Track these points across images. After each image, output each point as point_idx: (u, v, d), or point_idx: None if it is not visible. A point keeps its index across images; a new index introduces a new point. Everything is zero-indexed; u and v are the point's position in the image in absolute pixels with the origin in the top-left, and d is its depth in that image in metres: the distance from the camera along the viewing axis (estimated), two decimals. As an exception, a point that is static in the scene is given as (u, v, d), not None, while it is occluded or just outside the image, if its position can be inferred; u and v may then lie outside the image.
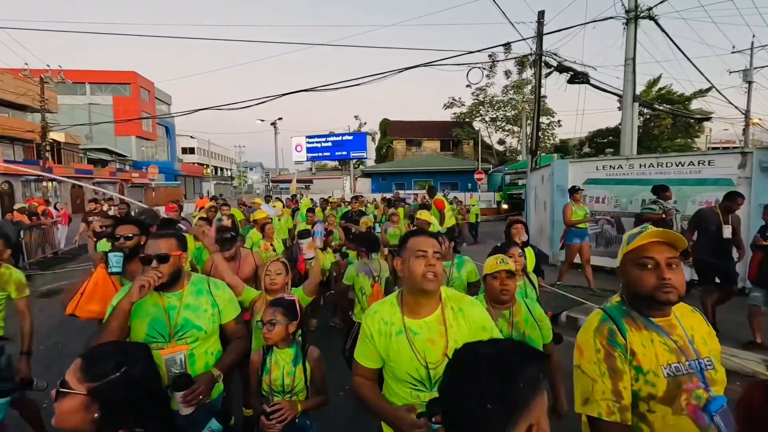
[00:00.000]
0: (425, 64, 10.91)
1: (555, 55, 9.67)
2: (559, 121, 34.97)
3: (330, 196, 10.70)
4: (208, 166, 61.90)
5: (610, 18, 9.05)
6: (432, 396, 1.51)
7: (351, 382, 1.70)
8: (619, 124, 30.56)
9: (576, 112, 33.34)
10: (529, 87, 30.25)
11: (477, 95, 34.75)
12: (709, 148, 24.80)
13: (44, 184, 22.72)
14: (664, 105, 30.59)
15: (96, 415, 1.08)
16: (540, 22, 9.45)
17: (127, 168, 36.85)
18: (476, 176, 23.74)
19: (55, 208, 13.04)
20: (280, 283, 2.54)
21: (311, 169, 37.41)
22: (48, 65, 21.52)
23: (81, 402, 1.08)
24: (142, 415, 1.15)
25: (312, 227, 2.98)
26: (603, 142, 34.42)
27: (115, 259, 2.16)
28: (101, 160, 34.92)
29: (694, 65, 10.32)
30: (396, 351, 1.53)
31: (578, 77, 10.29)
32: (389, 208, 6.94)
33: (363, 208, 7.20)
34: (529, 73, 30.36)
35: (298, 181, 32.56)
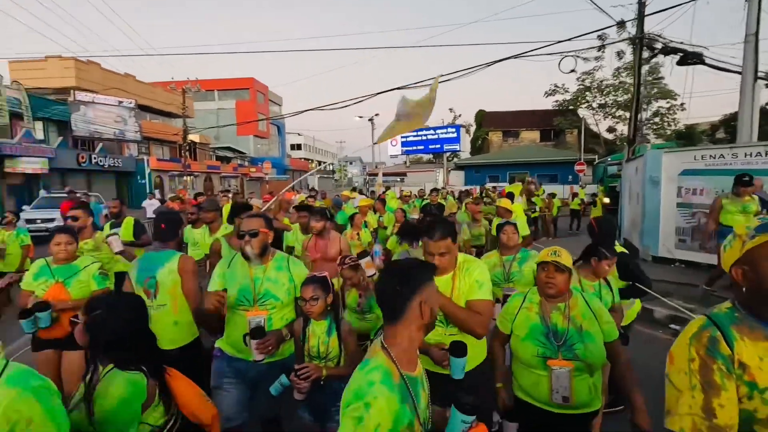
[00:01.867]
0: (515, 56, 10.87)
1: (660, 36, 9.01)
2: (682, 104, 30.88)
3: (403, 190, 11.37)
4: (313, 161, 66.85)
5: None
6: (448, 332, 2.02)
7: None
8: (766, 105, 25.85)
9: (688, 95, 29.10)
10: (646, 67, 26.98)
11: (583, 80, 32.33)
12: None
13: (185, 178, 27.24)
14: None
15: (86, 339, 1.39)
16: (641, 3, 8.88)
17: (246, 164, 41.80)
18: (576, 168, 22.38)
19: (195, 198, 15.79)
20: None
21: (406, 162, 38.46)
22: (188, 77, 25.62)
23: (80, 329, 1.44)
24: (139, 359, 1.40)
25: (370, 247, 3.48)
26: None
27: (43, 318, 2.54)
28: (226, 157, 40.20)
29: None
30: None
31: (690, 58, 9.42)
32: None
33: (443, 201, 7.62)
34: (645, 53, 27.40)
35: (393, 174, 33.81)
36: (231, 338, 2.27)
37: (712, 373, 1.06)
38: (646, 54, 9.55)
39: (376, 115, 33.87)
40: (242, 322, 2.21)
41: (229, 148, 40.42)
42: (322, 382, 2.03)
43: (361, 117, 34.96)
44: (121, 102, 24.08)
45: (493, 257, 3.21)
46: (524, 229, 4.70)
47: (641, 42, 8.94)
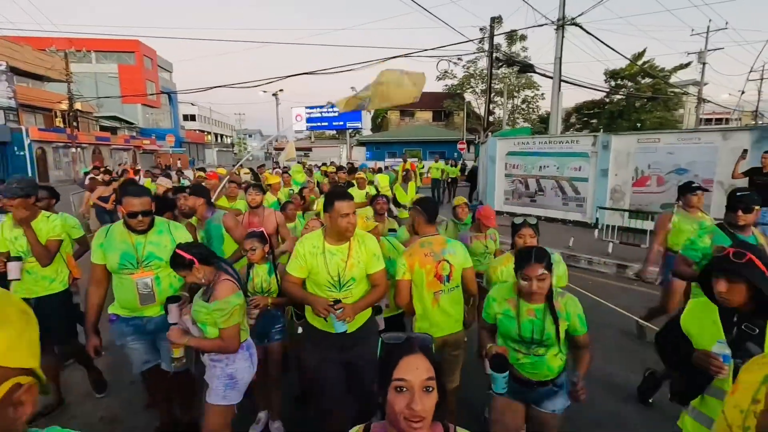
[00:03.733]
0: (405, 55, 13.52)
1: (503, 51, 12.26)
2: (542, 94, 36.91)
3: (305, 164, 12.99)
4: (209, 133, 63.48)
5: (545, 24, 11.64)
6: (341, 294, 2.25)
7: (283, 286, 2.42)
8: (605, 96, 31.82)
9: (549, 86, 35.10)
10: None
11: (468, 68, 36.53)
12: (700, 119, 26.97)
13: (72, 150, 25.43)
14: (646, 79, 32.59)
15: (199, 266, 2.13)
16: (492, 27, 12.02)
17: (135, 135, 38.98)
18: (459, 146, 25.80)
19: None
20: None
21: (310, 137, 39.76)
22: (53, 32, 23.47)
23: (197, 266, 2.12)
24: (213, 260, 2.18)
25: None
26: (589, 113, 36.52)
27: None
28: (112, 128, 37.05)
29: (623, 55, 12.92)
30: (317, 265, 2.23)
31: (525, 68, 12.96)
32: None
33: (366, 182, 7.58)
34: (518, 46, 32.27)
35: (299, 149, 35.00)
36: (122, 300, 2.47)
37: None
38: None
39: (281, 90, 34.61)
40: (130, 284, 2.42)
41: (115, 118, 37.29)
42: (269, 307, 2.65)
43: (265, 92, 35.29)
44: (-12, 63, 21.54)
45: (510, 265, 2.54)
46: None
47: (491, 55, 12.12)
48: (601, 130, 30.01)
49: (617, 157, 8.09)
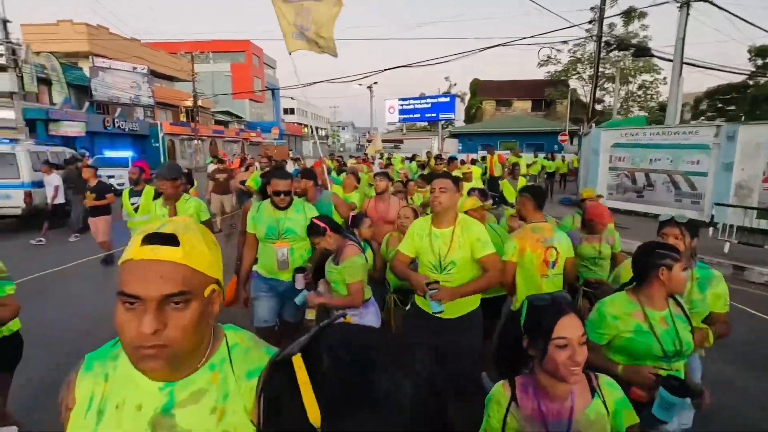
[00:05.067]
0: (502, 45, 12.99)
1: (615, 35, 11.15)
2: (664, 78, 32.34)
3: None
4: (306, 125, 67.54)
5: (665, 2, 10.32)
6: (443, 278, 2.32)
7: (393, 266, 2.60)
8: (747, 78, 26.88)
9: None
10: (634, 41, 26.44)
11: (574, 52, 33.40)
12: None
13: (194, 141, 29.03)
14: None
15: (330, 233, 2.58)
16: (602, 8, 10.99)
17: (244, 128, 42.90)
18: (560, 138, 22.86)
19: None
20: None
21: (402, 129, 40.15)
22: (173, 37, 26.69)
23: (329, 233, 2.56)
24: (340, 230, 2.63)
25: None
26: (726, 98, 31.18)
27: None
28: (224, 121, 41.23)
29: (755, 25, 11.08)
30: (423, 246, 2.42)
31: (640, 52, 11.69)
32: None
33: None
34: (636, 24, 28.49)
35: (391, 141, 35.64)
36: (264, 264, 3.01)
37: None
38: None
39: (375, 83, 35.49)
40: (271, 251, 2.94)
41: (227, 113, 41.36)
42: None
43: (360, 85, 36.44)
44: (135, 68, 25.46)
45: None
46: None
47: (600, 39, 11.12)
48: (743, 117, 25.50)
49: (744, 149, 6.98)
